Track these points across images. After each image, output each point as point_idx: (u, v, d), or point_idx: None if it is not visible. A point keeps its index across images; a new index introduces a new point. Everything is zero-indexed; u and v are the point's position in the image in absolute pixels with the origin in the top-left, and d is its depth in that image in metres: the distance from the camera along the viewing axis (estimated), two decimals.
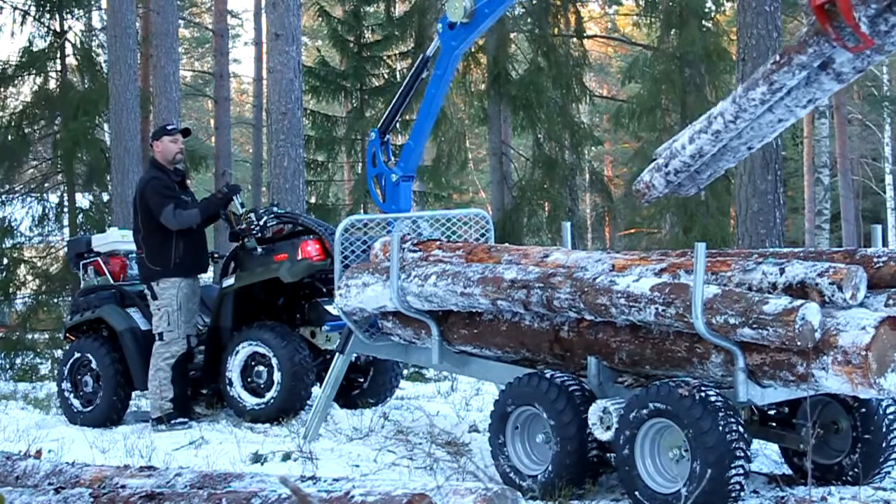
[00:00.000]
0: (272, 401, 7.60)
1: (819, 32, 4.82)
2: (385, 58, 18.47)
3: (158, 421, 7.70)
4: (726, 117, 5.24)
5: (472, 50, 17.34)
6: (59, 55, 15.88)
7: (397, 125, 8.60)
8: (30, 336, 15.07)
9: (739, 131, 5.35)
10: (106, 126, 15.34)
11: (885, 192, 27.87)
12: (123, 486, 4.00)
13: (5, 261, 15.22)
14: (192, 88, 31.05)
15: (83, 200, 16.09)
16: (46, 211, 15.96)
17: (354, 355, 7.42)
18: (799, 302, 4.52)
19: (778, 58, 5.00)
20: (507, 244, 6.26)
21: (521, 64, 17.60)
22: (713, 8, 17.47)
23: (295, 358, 7.56)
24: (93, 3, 17.14)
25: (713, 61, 15.88)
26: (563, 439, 5.24)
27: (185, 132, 8.25)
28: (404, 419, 7.70)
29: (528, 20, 17.64)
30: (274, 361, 7.59)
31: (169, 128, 8.19)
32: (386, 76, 18.25)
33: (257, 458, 6.42)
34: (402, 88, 7.81)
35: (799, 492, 5.19)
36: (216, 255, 8.87)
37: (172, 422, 7.66)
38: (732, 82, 14.51)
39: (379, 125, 7.83)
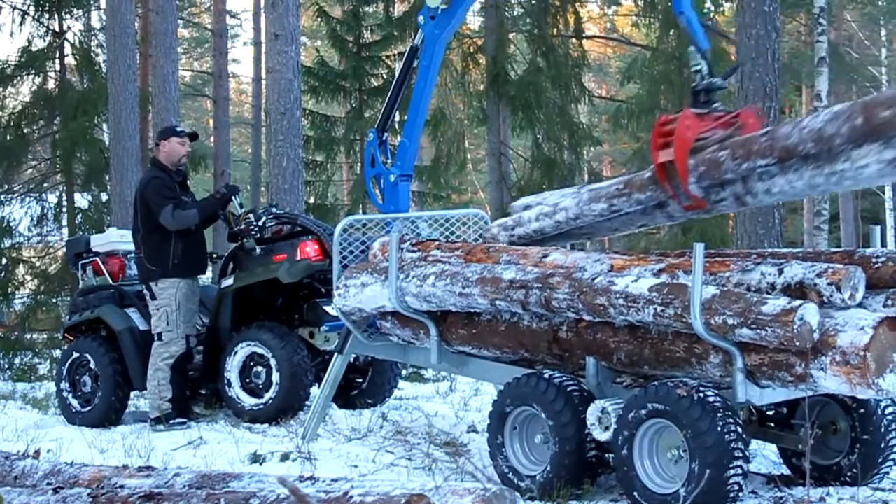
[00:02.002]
0: (271, 401, 7.60)
1: (658, 183, 5.40)
2: (384, 58, 18.47)
3: (157, 421, 7.71)
4: (569, 214, 5.88)
5: (472, 50, 17.35)
6: (58, 55, 15.88)
7: (395, 124, 8.59)
8: (28, 336, 15.06)
9: (580, 227, 5.92)
10: (105, 126, 15.34)
11: (883, 193, 27.87)
12: (122, 486, 4.00)
13: (4, 261, 15.21)
14: (192, 88, 31.06)
15: (82, 200, 16.09)
16: (45, 211, 15.96)
17: (353, 355, 7.42)
18: (797, 302, 4.52)
19: (622, 186, 5.63)
20: (505, 244, 6.25)
21: (520, 64, 17.59)
22: (712, 8, 17.46)
23: (293, 358, 7.56)
24: (92, 3, 17.14)
25: (712, 62, 15.85)
26: (561, 439, 5.24)
27: (193, 136, 8.23)
28: (403, 419, 7.70)
29: (528, 20, 17.64)
30: (272, 362, 7.59)
31: (178, 129, 8.19)
32: (385, 76, 18.24)
33: (256, 459, 6.42)
34: (395, 82, 7.82)
35: (797, 492, 5.19)
36: (215, 256, 8.87)
37: (171, 422, 7.66)
38: (731, 82, 14.48)
39: (377, 124, 7.83)
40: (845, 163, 4.66)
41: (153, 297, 7.78)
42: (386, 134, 7.76)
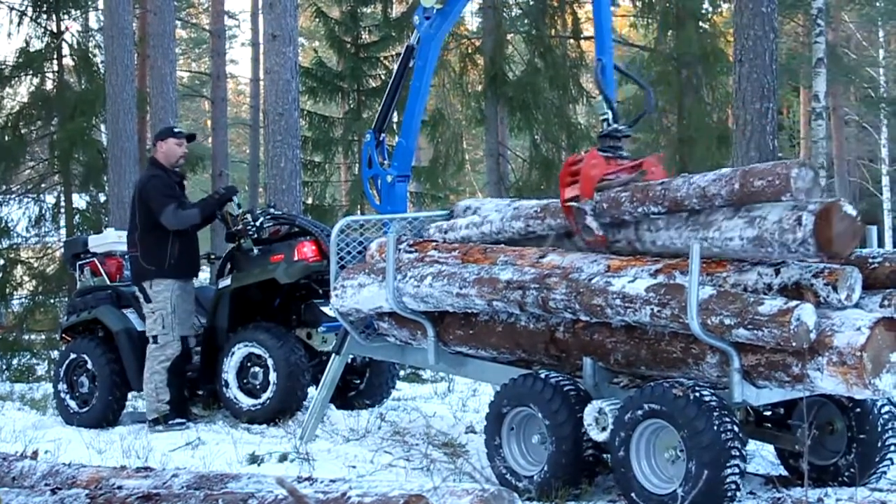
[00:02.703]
0: (268, 402, 7.60)
1: (566, 217, 5.74)
2: (382, 59, 18.44)
3: (155, 422, 7.70)
4: (493, 227, 6.28)
5: (470, 51, 17.34)
6: (55, 56, 15.85)
7: (392, 124, 8.56)
8: (26, 337, 15.04)
9: (503, 241, 6.28)
10: (103, 127, 15.33)
11: (881, 194, 27.90)
12: (120, 487, 4.00)
13: (2, 261, 15.19)
14: (189, 89, 31.02)
15: (80, 201, 16.07)
16: (43, 211, 15.93)
17: (351, 356, 7.42)
18: (794, 303, 4.53)
19: (539, 210, 6.03)
20: (502, 245, 6.26)
21: (518, 65, 17.58)
22: (710, 9, 17.46)
23: (291, 359, 7.56)
24: (90, 3, 17.12)
25: (710, 62, 15.88)
26: (558, 440, 5.24)
27: (191, 137, 8.23)
28: (401, 420, 7.71)
29: (526, 21, 17.63)
30: (270, 362, 7.59)
31: (175, 130, 8.19)
32: (383, 77, 18.19)
33: (254, 459, 6.42)
34: (391, 81, 7.82)
35: (795, 493, 5.19)
36: (213, 256, 8.85)
37: (169, 422, 7.65)
38: (729, 83, 14.50)
39: (373, 124, 7.83)
40: (715, 232, 4.97)
41: (147, 300, 7.76)
42: (383, 135, 7.75)
